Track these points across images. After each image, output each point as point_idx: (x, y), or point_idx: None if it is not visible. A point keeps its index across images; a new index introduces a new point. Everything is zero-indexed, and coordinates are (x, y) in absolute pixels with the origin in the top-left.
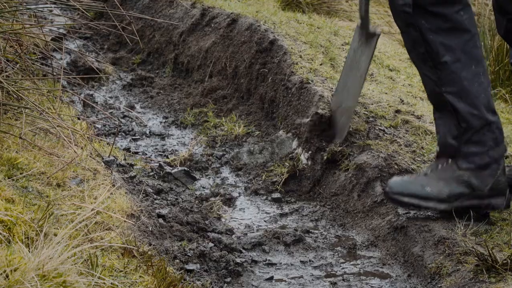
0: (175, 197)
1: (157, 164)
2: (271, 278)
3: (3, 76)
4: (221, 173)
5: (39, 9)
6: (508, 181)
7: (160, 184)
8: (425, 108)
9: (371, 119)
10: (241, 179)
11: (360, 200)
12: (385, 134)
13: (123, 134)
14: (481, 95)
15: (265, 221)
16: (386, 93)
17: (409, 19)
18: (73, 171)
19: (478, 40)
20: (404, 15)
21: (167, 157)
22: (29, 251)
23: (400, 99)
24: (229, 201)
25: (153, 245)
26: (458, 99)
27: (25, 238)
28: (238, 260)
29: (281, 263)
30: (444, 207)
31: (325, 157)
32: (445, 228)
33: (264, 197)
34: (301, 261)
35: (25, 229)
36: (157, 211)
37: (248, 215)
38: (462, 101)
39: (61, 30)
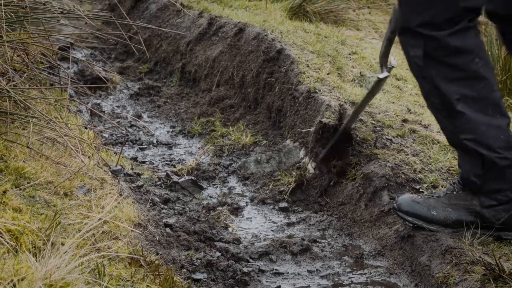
0: (182, 206)
1: (164, 174)
2: None
3: (11, 85)
4: (228, 182)
5: (46, 18)
6: None
7: (167, 194)
8: (432, 118)
9: (378, 128)
10: (248, 188)
11: (367, 209)
12: (392, 144)
13: (130, 143)
14: (500, 137)
15: (272, 230)
16: (393, 103)
17: (420, 72)
18: (80, 181)
19: (495, 84)
20: (416, 67)
21: (174, 167)
22: (36, 261)
23: (407, 108)
24: (236, 211)
25: (160, 254)
26: (478, 145)
27: (32, 247)
28: (245, 269)
29: (288, 273)
30: (448, 231)
31: (335, 169)
32: (452, 238)
33: (271, 206)
34: (308, 271)
35: (32, 239)
36: (164, 220)
37: (255, 225)
38: (480, 146)
39: (68, 40)
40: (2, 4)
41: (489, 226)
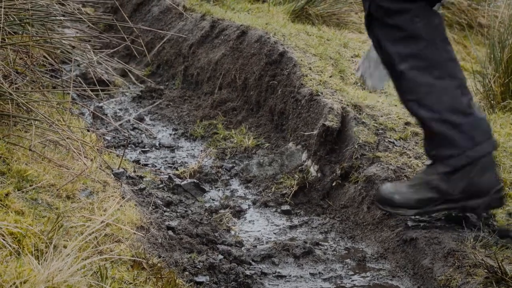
0: (185, 209)
1: (167, 176)
2: None
3: (13, 88)
4: (231, 185)
5: (48, 21)
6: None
7: (169, 196)
8: None
9: (380, 131)
10: (251, 191)
11: (369, 212)
12: (395, 146)
13: (133, 146)
14: (443, 98)
15: (274, 233)
16: (395, 105)
17: (368, 31)
18: (83, 183)
19: (441, 44)
20: (366, 27)
21: (177, 169)
22: (39, 263)
23: None
24: (239, 213)
25: (163, 257)
26: (418, 106)
27: (34, 250)
28: (247, 272)
29: (290, 275)
30: (414, 212)
31: (338, 172)
32: (455, 240)
33: (274, 209)
34: (310, 274)
35: (35, 241)
36: (166, 223)
37: (258, 227)
38: (422, 107)
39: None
40: (3, 6)
41: (452, 199)
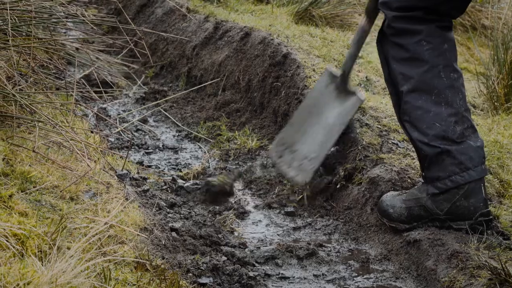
0: (188, 210)
1: (170, 178)
2: None
3: (17, 89)
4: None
5: (52, 23)
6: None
7: (173, 198)
8: None
9: (384, 133)
10: (254, 192)
11: (373, 213)
12: (398, 148)
13: (136, 147)
14: (435, 125)
15: (278, 234)
16: None
17: (378, 46)
18: (86, 185)
19: (443, 71)
20: (377, 42)
21: (180, 171)
22: (42, 265)
23: None
24: (242, 215)
25: (166, 258)
26: (412, 128)
27: (38, 251)
28: (251, 273)
29: (294, 277)
30: (405, 227)
31: (342, 173)
32: (458, 242)
33: (277, 210)
34: (314, 275)
35: (38, 243)
36: (170, 224)
37: (261, 229)
38: (414, 129)
39: (74, 44)
40: (8, 8)
41: (438, 219)
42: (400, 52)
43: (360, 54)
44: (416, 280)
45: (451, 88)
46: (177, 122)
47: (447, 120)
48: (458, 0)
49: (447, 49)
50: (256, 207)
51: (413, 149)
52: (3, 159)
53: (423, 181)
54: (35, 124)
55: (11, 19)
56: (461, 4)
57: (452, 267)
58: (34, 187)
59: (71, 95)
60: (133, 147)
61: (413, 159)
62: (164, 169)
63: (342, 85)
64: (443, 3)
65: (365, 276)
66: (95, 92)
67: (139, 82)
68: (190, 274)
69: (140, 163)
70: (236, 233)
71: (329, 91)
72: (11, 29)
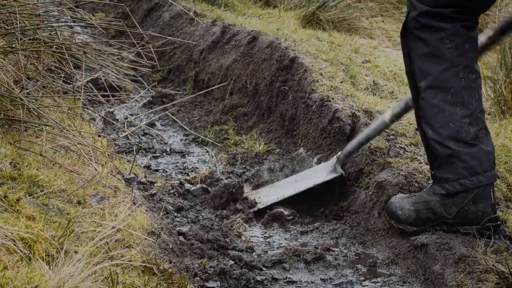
0: (196, 214)
1: (178, 182)
2: None
3: (24, 93)
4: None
5: (59, 27)
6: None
7: (180, 202)
8: None
9: (391, 137)
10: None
11: (380, 217)
12: (406, 152)
13: (144, 151)
14: (449, 125)
15: (285, 238)
16: None
17: (401, 38)
18: (94, 189)
19: (462, 71)
20: (401, 34)
21: (188, 175)
22: (50, 269)
23: None
24: (250, 219)
25: (174, 262)
26: (426, 125)
27: (45, 255)
28: (258, 277)
29: (301, 281)
30: (413, 230)
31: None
32: (466, 246)
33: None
34: (321, 279)
35: (46, 247)
36: (177, 228)
37: (269, 233)
38: (429, 127)
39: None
40: (17, 12)
41: (446, 222)
42: (422, 47)
43: (367, 59)
44: (423, 284)
45: (468, 89)
46: (184, 126)
47: (461, 121)
48: None
49: (469, 49)
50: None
51: (421, 153)
52: (11, 163)
53: (432, 180)
54: (42, 128)
55: (19, 22)
56: None
57: (459, 271)
58: (41, 191)
59: (79, 99)
60: (140, 151)
61: (421, 163)
62: (171, 173)
63: (335, 165)
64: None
65: (372, 280)
66: (103, 96)
67: (147, 86)
68: (198, 278)
69: (148, 167)
70: (243, 237)
71: (320, 170)
72: (19, 33)
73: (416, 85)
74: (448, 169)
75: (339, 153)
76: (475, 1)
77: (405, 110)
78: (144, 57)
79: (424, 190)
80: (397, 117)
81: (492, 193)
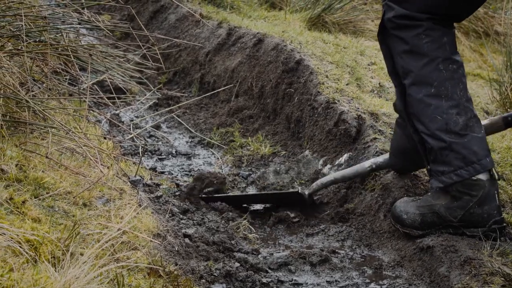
0: (201, 217)
1: (184, 184)
2: None
3: (30, 95)
4: (247, 192)
5: (66, 29)
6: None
7: (186, 204)
8: None
9: None
10: None
11: (386, 220)
12: None
13: (149, 153)
14: (437, 118)
15: (291, 241)
16: None
17: (379, 38)
18: (99, 191)
19: (442, 63)
20: (378, 35)
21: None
22: (56, 271)
23: None
24: (255, 221)
25: (179, 265)
26: (417, 121)
27: (51, 257)
28: (264, 280)
29: (307, 283)
30: (418, 233)
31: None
32: (471, 248)
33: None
34: (327, 281)
35: (52, 249)
36: (183, 230)
37: (274, 235)
38: (420, 122)
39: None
40: (23, 14)
41: (452, 225)
42: (401, 45)
43: (373, 61)
44: (429, 287)
45: (450, 80)
46: (190, 128)
47: (448, 112)
48: (465, 5)
49: (447, 42)
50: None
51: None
52: (16, 165)
53: (428, 175)
54: (48, 130)
55: (24, 25)
56: (468, 8)
57: (465, 273)
58: (47, 193)
59: (84, 101)
60: (146, 153)
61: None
62: (177, 175)
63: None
64: (452, 10)
65: (378, 283)
66: (108, 98)
67: (153, 89)
68: (203, 281)
69: (153, 169)
70: (249, 239)
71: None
72: (24, 35)
73: (401, 82)
74: (443, 162)
75: (315, 183)
76: (456, 9)
77: (387, 166)
78: (150, 59)
79: (429, 194)
80: (378, 168)
81: (497, 195)
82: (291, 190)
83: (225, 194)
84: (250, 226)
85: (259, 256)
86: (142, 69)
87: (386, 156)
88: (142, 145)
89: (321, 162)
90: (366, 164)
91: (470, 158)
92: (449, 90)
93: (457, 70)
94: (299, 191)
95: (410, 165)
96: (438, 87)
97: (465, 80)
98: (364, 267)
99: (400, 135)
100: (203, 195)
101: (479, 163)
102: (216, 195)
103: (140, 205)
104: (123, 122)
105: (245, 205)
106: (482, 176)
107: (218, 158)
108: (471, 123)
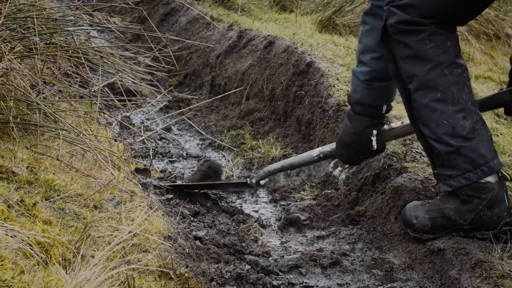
0: (212, 219)
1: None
2: None
3: (40, 97)
4: (258, 195)
5: (76, 31)
6: None
7: (197, 206)
8: None
9: (408, 141)
10: (278, 201)
11: (397, 222)
12: (422, 157)
13: (160, 156)
14: (443, 123)
15: (301, 243)
16: None
17: (382, 42)
18: (110, 193)
19: (447, 68)
20: (380, 38)
21: None
22: (66, 273)
23: None
24: (266, 224)
25: (190, 267)
26: (423, 126)
27: (62, 259)
28: (275, 282)
29: (318, 286)
30: (429, 237)
31: (366, 182)
32: (482, 251)
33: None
34: (338, 284)
35: (62, 251)
36: (194, 233)
37: (285, 238)
38: (426, 127)
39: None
40: (34, 16)
41: (462, 229)
42: (404, 50)
43: None
44: None
45: (456, 84)
46: (200, 131)
47: (455, 117)
48: (472, 8)
49: (451, 46)
50: (279, 215)
51: None
52: (27, 167)
53: (435, 179)
54: (59, 133)
55: (36, 27)
56: (473, 11)
57: (476, 276)
58: (58, 195)
59: (95, 103)
60: (156, 155)
61: None
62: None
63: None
64: (457, 13)
65: (389, 285)
66: (119, 100)
67: (163, 91)
68: (214, 283)
69: (164, 171)
70: (260, 242)
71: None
72: (36, 38)
73: (406, 87)
74: (451, 166)
75: (262, 170)
76: (461, 12)
77: (334, 155)
78: (161, 61)
79: (438, 197)
80: (325, 157)
81: (506, 197)
82: (241, 180)
83: (184, 183)
84: (261, 229)
85: (270, 258)
86: (153, 71)
87: (333, 145)
88: (153, 148)
89: (331, 164)
90: (314, 153)
91: (478, 161)
92: (455, 95)
93: (461, 74)
94: (248, 182)
95: (355, 155)
96: (444, 92)
97: (470, 83)
98: (375, 270)
99: (348, 127)
100: (169, 186)
101: (487, 166)
102: (173, 183)
103: (150, 208)
104: (133, 124)
105: (196, 190)
106: (491, 179)
107: (228, 161)
108: (478, 126)
